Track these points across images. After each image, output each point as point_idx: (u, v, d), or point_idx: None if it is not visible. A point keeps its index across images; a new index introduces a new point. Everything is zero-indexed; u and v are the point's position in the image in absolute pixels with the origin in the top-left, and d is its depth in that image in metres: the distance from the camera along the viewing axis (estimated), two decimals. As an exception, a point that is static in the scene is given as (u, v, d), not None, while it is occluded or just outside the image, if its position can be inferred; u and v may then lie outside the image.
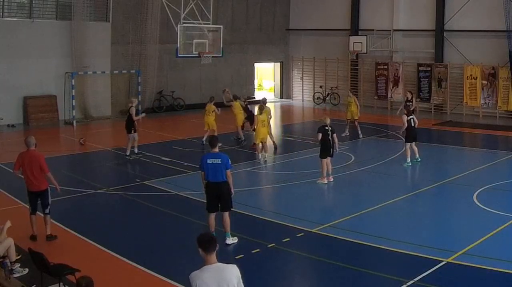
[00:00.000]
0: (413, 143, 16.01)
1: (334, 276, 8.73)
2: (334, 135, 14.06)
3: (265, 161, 16.62)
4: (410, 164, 15.81)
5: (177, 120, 26.08)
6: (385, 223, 11.20)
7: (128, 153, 16.94)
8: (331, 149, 13.98)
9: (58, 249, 9.61)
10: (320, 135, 13.87)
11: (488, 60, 25.63)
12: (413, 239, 10.02)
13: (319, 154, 14.11)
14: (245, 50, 32.16)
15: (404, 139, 16.46)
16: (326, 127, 13.91)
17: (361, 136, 20.30)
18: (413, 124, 15.94)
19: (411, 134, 16.01)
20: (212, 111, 19.01)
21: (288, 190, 13.99)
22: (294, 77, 34.20)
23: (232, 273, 5.12)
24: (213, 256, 5.12)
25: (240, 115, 19.47)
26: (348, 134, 20.56)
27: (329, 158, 14.01)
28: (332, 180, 14.10)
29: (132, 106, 17.00)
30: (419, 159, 16.15)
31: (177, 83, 28.54)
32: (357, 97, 22.55)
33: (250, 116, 19.34)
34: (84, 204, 12.60)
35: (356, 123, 20.70)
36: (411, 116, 16.01)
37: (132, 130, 16.90)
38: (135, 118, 16.81)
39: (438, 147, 19.51)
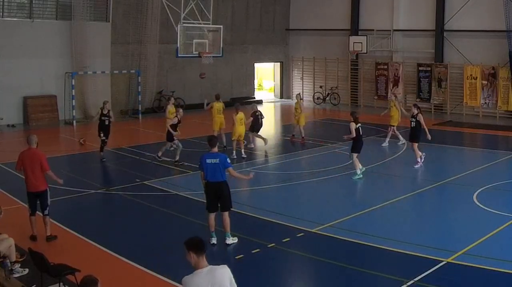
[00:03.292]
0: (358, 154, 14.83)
1: (334, 276, 8.74)
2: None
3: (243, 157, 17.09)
4: (361, 176, 14.62)
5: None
6: (385, 223, 11.20)
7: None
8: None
9: (58, 249, 9.61)
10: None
11: (488, 60, 25.65)
12: (413, 239, 10.03)
13: (414, 139, 16.02)
14: (245, 50, 32.19)
15: (350, 149, 14.94)
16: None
17: (386, 144, 19.07)
18: (361, 133, 14.77)
19: (359, 145, 14.74)
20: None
21: (288, 190, 14.01)
22: (294, 77, 34.21)
23: (224, 274, 5.10)
24: (204, 259, 5.09)
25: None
26: (387, 145, 19.05)
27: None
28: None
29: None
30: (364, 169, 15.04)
31: (177, 83, 28.55)
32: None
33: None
34: (84, 204, 12.59)
35: (391, 129, 19.29)
36: (359, 125, 14.64)
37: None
38: None
39: (438, 147, 19.44)
